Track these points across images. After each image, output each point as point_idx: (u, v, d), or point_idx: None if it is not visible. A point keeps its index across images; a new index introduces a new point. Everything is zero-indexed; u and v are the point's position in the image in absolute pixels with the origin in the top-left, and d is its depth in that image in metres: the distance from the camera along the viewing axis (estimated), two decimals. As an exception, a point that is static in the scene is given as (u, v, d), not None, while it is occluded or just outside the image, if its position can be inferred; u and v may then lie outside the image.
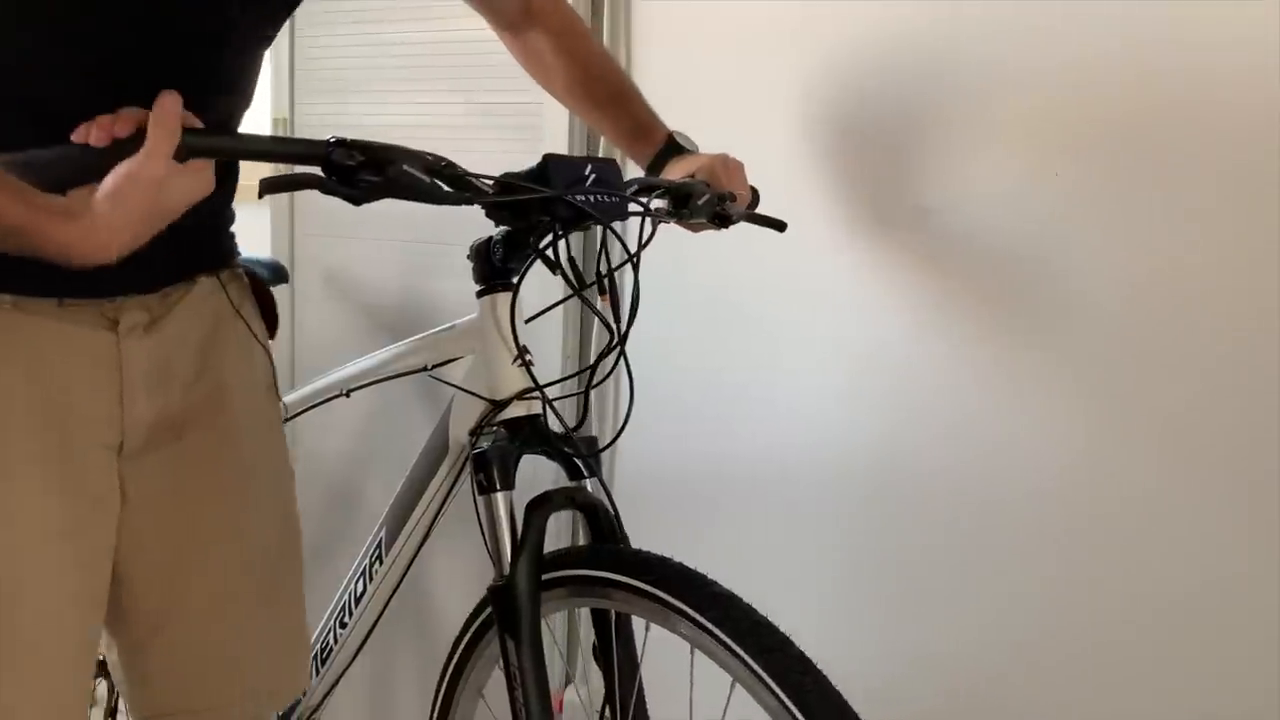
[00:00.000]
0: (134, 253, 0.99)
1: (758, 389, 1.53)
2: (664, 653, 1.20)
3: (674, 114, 1.46)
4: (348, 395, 1.44)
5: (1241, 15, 1.18)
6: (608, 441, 1.19)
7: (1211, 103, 1.21)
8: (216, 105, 1.03)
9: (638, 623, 1.13)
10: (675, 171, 1.30)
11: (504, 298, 1.22)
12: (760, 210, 1.38)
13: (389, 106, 1.78)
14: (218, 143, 0.89)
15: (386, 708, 1.86)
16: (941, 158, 1.37)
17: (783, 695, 0.95)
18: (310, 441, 1.82)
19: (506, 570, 1.16)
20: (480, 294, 1.24)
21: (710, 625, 1.00)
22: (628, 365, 1.13)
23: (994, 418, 1.36)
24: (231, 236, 1.16)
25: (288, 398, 1.45)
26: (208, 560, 1.07)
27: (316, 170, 0.94)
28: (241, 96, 1.12)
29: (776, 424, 1.52)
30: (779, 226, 1.40)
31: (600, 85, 1.40)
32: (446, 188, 0.99)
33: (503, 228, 1.19)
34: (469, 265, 1.25)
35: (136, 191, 0.82)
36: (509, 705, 1.14)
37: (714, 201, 1.29)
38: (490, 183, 1.06)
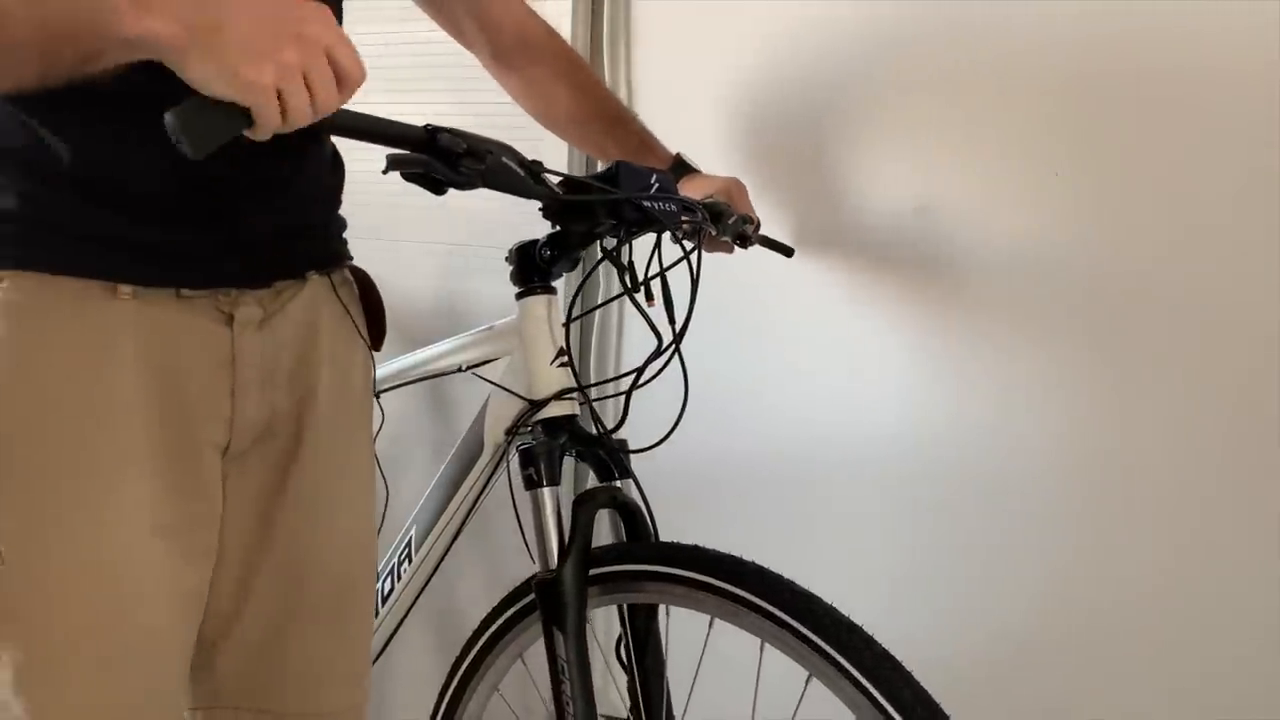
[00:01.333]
0: (249, 243, 0.96)
1: (763, 391, 1.55)
2: (678, 648, 1.23)
3: (675, 115, 1.48)
4: (377, 397, 1.44)
5: (1241, 12, 1.23)
6: (652, 444, 1.20)
7: (1212, 102, 1.26)
8: None
9: (694, 619, 1.15)
10: (691, 190, 1.33)
11: (553, 299, 1.25)
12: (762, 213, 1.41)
13: (388, 107, 1.77)
14: (350, 119, 0.87)
15: (379, 701, 1.84)
16: (946, 158, 1.41)
17: (873, 691, 0.98)
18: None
19: (553, 564, 1.18)
20: (520, 295, 1.27)
21: (792, 621, 1.03)
22: (684, 367, 1.15)
23: (1019, 414, 1.39)
24: (344, 241, 1.12)
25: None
26: (276, 570, 1.04)
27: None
28: None
29: (778, 426, 1.54)
30: (787, 252, 1.44)
31: (603, 108, 1.41)
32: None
33: (551, 230, 1.22)
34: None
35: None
36: (536, 699, 1.15)
37: (740, 222, 1.34)
38: (556, 181, 1.10)
